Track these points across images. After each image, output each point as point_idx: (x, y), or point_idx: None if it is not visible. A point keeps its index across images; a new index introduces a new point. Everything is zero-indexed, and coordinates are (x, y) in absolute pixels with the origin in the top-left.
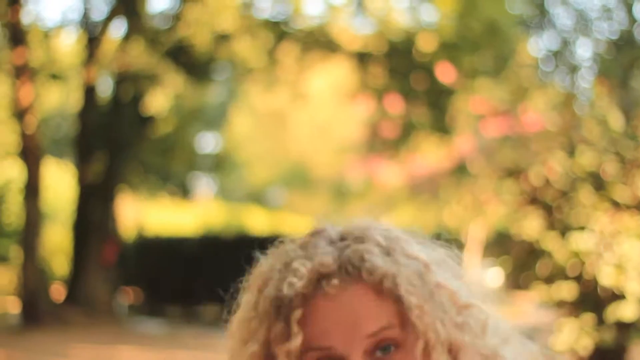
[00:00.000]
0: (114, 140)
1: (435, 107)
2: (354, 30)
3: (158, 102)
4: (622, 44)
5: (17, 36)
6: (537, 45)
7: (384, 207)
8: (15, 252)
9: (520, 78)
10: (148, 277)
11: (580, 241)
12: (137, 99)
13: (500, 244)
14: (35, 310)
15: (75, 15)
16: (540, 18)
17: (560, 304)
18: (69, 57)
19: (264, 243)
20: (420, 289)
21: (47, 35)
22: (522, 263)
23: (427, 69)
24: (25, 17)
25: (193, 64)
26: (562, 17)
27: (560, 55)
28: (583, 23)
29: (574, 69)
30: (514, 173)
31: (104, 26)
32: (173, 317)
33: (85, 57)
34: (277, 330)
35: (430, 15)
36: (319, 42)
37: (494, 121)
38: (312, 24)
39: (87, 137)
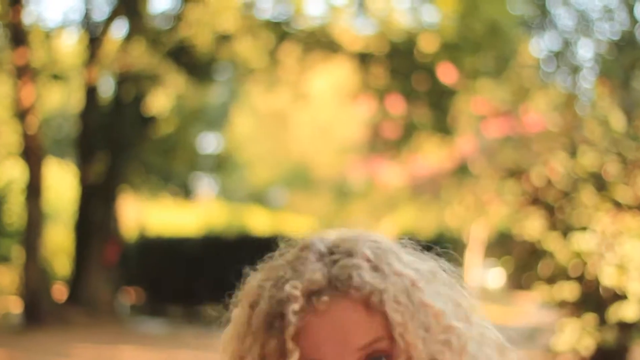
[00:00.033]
0: (115, 140)
1: (437, 107)
2: (355, 31)
3: (159, 102)
4: (624, 44)
5: (19, 36)
6: (538, 46)
7: (386, 208)
8: (17, 252)
9: (522, 79)
10: (150, 277)
11: (582, 241)
12: (138, 99)
13: (502, 245)
14: (37, 310)
15: (77, 15)
16: (541, 19)
17: (562, 304)
18: (71, 57)
19: (265, 243)
20: (406, 306)
21: (48, 35)
22: (524, 263)
23: (429, 70)
24: (27, 17)
25: (194, 64)
26: (564, 17)
27: (562, 56)
28: (584, 24)
29: (575, 70)
30: (516, 173)
31: (105, 26)
32: (175, 317)
33: (87, 58)
34: (271, 347)
35: (431, 15)
36: (320, 42)
37: (496, 122)
38: (313, 25)
39: (89, 138)
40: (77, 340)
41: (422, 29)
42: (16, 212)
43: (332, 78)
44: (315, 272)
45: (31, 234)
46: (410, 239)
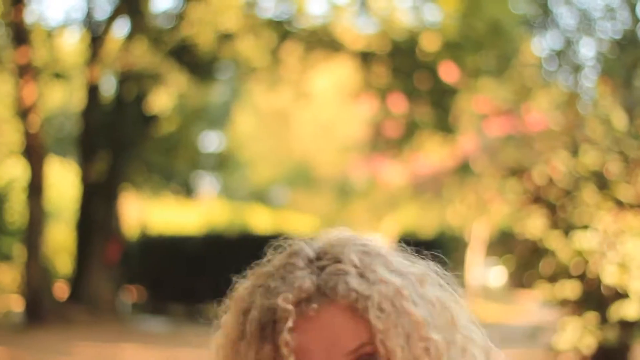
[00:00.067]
0: (117, 139)
1: (439, 106)
2: (357, 30)
3: (161, 101)
4: (626, 43)
5: (21, 35)
6: (540, 45)
7: (388, 206)
8: (19, 251)
9: (524, 77)
10: (151, 275)
11: (584, 240)
12: (140, 98)
13: (504, 243)
14: (39, 309)
15: (79, 14)
16: (543, 18)
17: (563, 303)
18: (72, 56)
19: (267, 242)
20: (388, 314)
21: (50, 34)
22: (526, 262)
23: (431, 69)
24: (29, 16)
25: (196, 63)
26: (566, 16)
27: (564, 55)
28: (586, 23)
29: (577, 69)
30: (518, 172)
31: (107, 25)
32: (176, 315)
33: (89, 56)
34: (265, 353)
35: (433, 14)
36: (322, 41)
37: (497, 120)
38: (315, 24)
39: (91, 136)
40: (79, 338)
41: (424, 27)
42: (18, 210)
43: (334, 77)
44: (305, 280)
45: (33, 232)
46: (405, 242)
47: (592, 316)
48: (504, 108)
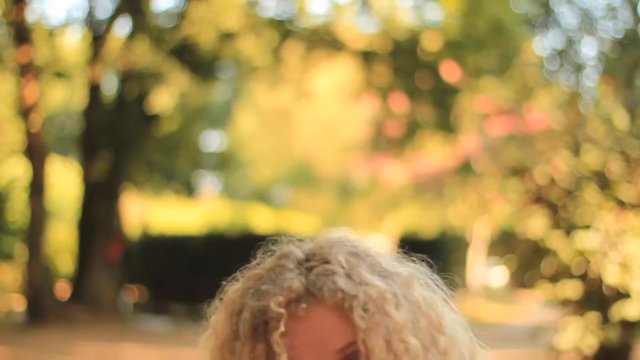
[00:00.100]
0: (118, 138)
1: (440, 105)
2: (358, 29)
3: (163, 100)
4: (627, 42)
5: (22, 34)
6: (542, 44)
7: (389, 206)
8: (20, 250)
9: (525, 77)
10: (153, 275)
11: (585, 240)
12: (141, 97)
13: (505, 243)
14: (40, 308)
15: (80, 13)
16: (545, 17)
17: (565, 303)
18: (74, 55)
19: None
20: (372, 314)
21: (51, 33)
22: (527, 262)
23: (432, 68)
24: (30, 15)
25: (198, 63)
26: (567, 16)
27: (565, 54)
28: (588, 22)
29: (578, 68)
30: (519, 172)
31: (108, 24)
32: (177, 315)
33: (90, 56)
34: (260, 351)
35: (435, 14)
36: (323, 40)
37: (499, 120)
38: (316, 23)
39: (92, 136)
40: (80, 338)
41: (425, 27)
42: (19, 209)
43: (336, 76)
44: (294, 281)
45: (34, 231)
46: (406, 242)
47: (593, 316)
48: (505, 107)
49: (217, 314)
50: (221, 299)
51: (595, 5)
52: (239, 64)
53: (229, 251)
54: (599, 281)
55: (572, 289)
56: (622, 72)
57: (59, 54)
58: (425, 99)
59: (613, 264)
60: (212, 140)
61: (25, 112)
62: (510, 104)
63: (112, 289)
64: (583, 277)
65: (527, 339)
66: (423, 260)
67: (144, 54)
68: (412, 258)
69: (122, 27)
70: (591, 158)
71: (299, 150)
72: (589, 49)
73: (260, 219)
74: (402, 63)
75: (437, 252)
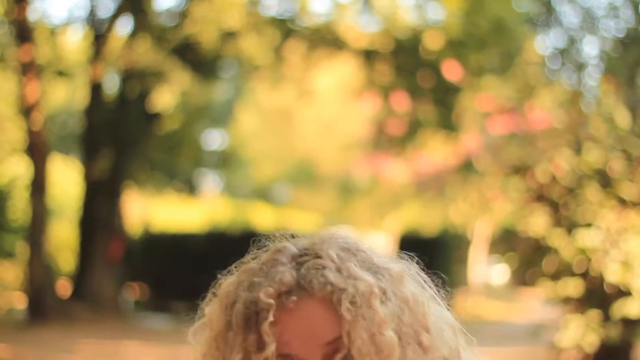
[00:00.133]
0: (120, 137)
1: (442, 104)
2: (360, 28)
3: (164, 99)
4: (629, 41)
5: (24, 33)
6: (543, 43)
7: (390, 204)
8: (22, 248)
9: (527, 76)
10: (154, 273)
11: (587, 238)
12: (143, 96)
13: (507, 241)
14: (42, 306)
15: (82, 12)
16: (546, 16)
17: (566, 301)
18: (76, 54)
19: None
20: (358, 307)
21: (53, 32)
22: (528, 260)
23: (434, 67)
24: (32, 14)
25: (199, 61)
26: (569, 15)
27: (567, 53)
28: (590, 21)
29: (580, 67)
30: (521, 170)
31: (110, 23)
32: (179, 312)
33: (92, 54)
34: (251, 341)
35: (436, 12)
36: (325, 39)
37: (501, 118)
38: (318, 22)
39: (94, 134)
40: (81, 335)
41: (427, 26)
42: (21, 208)
43: (337, 75)
44: (285, 274)
45: (35, 230)
46: (408, 240)
47: (594, 314)
48: (507, 106)
49: (212, 306)
50: (215, 292)
51: (597, 4)
52: (240, 62)
53: (230, 249)
54: (600, 279)
55: (573, 286)
56: (624, 71)
57: (60, 53)
58: (426, 97)
59: (614, 262)
60: (213, 139)
61: (26, 110)
62: (511, 103)
63: (113, 286)
64: (584, 275)
65: (528, 337)
66: (419, 260)
67: (145, 53)
68: (403, 257)
69: (124, 26)
70: (593, 156)
71: (300, 148)
72: (590, 48)
73: (262, 217)
74: (403, 62)
75: (439, 251)
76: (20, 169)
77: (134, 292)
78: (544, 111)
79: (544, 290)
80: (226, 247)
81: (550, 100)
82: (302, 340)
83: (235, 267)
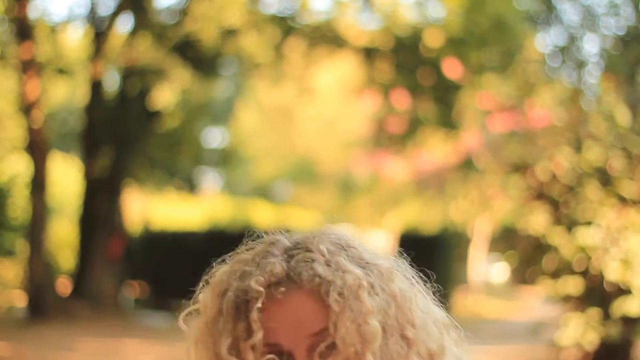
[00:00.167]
0: (120, 134)
1: (442, 102)
2: (360, 26)
3: (165, 96)
4: (629, 39)
5: (24, 31)
6: (544, 41)
7: (390, 202)
8: (22, 246)
9: (527, 74)
10: (154, 271)
11: (587, 236)
12: (143, 93)
13: (507, 239)
14: (42, 304)
15: (82, 10)
16: (547, 14)
17: (566, 299)
18: (76, 51)
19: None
20: (346, 299)
21: (54, 30)
22: (528, 258)
23: (434, 65)
24: (32, 11)
25: (200, 59)
26: (569, 13)
27: (567, 51)
28: (590, 19)
29: (580, 65)
30: (521, 168)
31: (110, 21)
32: (178, 311)
33: (92, 52)
34: (240, 329)
35: (437, 10)
36: (325, 37)
37: (501, 116)
38: (319, 19)
39: (94, 132)
40: (81, 333)
41: (427, 23)
42: (21, 206)
43: (338, 73)
44: (275, 265)
45: (36, 228)
46: (408, 238)
47: (594, 312)
48: (507, 104)
49: (205, 293)
50: (207, 280)
51: (598, 2)
52: (241, 60)
53: (230, 247)
54: (600, 277)
55: (573, 285)
56: (624, 69)
57: (61, 51)
58: (427, 95)
59: (614, 260)
60: (213, 137)
61: (27, 108)
62: (512, 101)
63: (113, 285)
64: (584, 274)
65: (528, 335)
66: (416, 256)
67: (146, 51)
68: (395, 254)
69: (124, 23)
70: (593, 154)
71: (300, 146)
72: (591, 46)
73: (262, 215)
74: (404, 60)
75: (439, 249)
76: (20, 166)
77: (134, 290)
78: (544, 109)
79: (544, 288)
80: (226, 245)
81: (550, 98)
82: (289, 330)
83: (230, 257)
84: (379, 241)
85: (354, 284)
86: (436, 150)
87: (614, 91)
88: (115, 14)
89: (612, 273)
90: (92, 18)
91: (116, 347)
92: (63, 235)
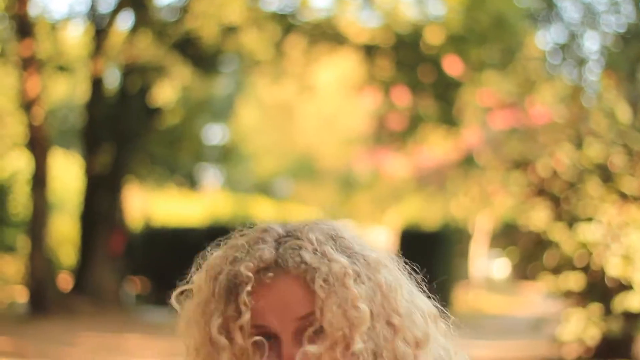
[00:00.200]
0: (121, 131)
1: (443, 99)
2: (361, 23)
3: (165, 93)
4: (630, 37)
5: (25, 28)
6: (544, 38)
7: (391, 199)
8: (23, 242)
9: (528, 71)
10: (155, 267)
11: (588, 232)
12: (144, 90)
13: (508, 235)
14: (43, 300)
15: (83, 7)
16: (547, 11)
17: (567, 295)
18: (77, 49)
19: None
20: (331, 285)
21: (54, 27)
22: (530, 254)
23: (435, 62)
24: (33, 9)
25: (200, 56)
26: (570, 10)
27: (568, 48)
28: (590, 16)
29: (581, 62)
30: (522, 165)
31: (111, 18)
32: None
33: (93, 49)
34: (230, 310)
35: (437, 8)
36: (326, 34)
37: (502, 113)
38: (319, 17)
39: (95, 129)
40: (83, 329)
41: (428, 21)
42: (22, 202)
43: (338, 70)
44: (265, 251)
45: (37, 224)
46: (409, 234)
47: (596, 308)
48: (508, 101)
49: (199, 275)
50: (200, 264)
51: None
52: (241, 57)
53: None
54: (602, 273)
55: (574, 280)
56: (625, 66)
57: (61, 48)
58: (427, 92)
59: (615, 256)
60: (214, 133)
61: (27, 105)
62: (512, 98)
63: (114, 280)
64: (585, 269)
65: (529, 331)
66: (416, 256)
67: (146, 48)
68: (394, 251)
69: (125, 20)
70: (594, 151)
71: (301, 143)
72: (591, 43)
73: (263, 212)
74: (404, 57)
75: (440, 245)
76: (21, 163)
77: (134, 285)
78: (545, 106)
79: (545, 284)
80: None
81: (551, 95)
82: (276, 313)
83: (224, 242)
84: (379, 238)
85: (339, 272)
86: (437, 147)
87: (615, 88)
88: (115, 11)
89: (613, 269)
90: (93, 15)
91: (117, 343)
92: (64, 231)
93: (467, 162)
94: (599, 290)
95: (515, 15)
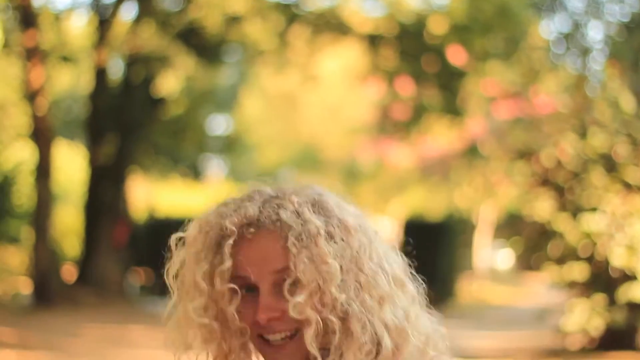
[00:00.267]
0: (125, 122)
1: (447, 89)
2: (365, 13)
3: (169, 84)
4: (634, 26)
5: (28, 19)
6: (548, 28)
7: (395, 189)
8: (27, 234)
9: (532, 60)
10: (159, 258)
11: (592, 222)
12: (148, 81)
13: (512, 226)
14: (47, 291)
15: None
16: (551, 1)
17: (571, 285)
18: (80, 39)
19: None
20: (304, 243)
21: (58, 17)
22: (534, 244)
23: (438, 51)
24: None
25: (204, 46)
26: None
27: (572, 38)
28: (594, 5)
29: (585, 52)
30: (526, 155)
31: (115, 8)
32: None
33: (96, 40)
34: (217, 259)
35: None
36: (329, 24)
37: (506, 103)
38: (323, 7)
39: (98, 119)
40: (86, 320)
41: (431, 10)
42: (26, 193)
43: (342, 60)
44: (249, 209)
45: (41, 215)
46: (413, 225)
47: (600, 298)
48: (512, 91)
49: (193, 230)
50: (191, 220)
51: None
52: (245, 47)
53: None
54: (606, 263)
55: (578, 271)
56: (629, 56)
57: (65, 38)
58: (431, 82)
59: (619, 246)
60: (218, 124)
61: (31, 96)
62: (516, 88)
63: (118, 271)
64: (589, 260)
65: (533, 321)
66: (420, 246)
67: (150, 38)
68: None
69: (128, 11)
70: (598, 141)
71: (305, 133)
72: (595, 33)
73: None
74: (408, 46)
75: (444, 235)
76: (25, 154)
77: (139, 276)
78: (549, 96)
79: (550, 274)
80: None
81: (555, 84)
82: (255, 266)
83: (221, 201)
84: (383, 228)
85: (312, 231)
86: (441, 137)
87: (619, 78)
88: (119, 1)
89: (617, 259)
90: (96, 5)
91: (121, 334)
92: (68, 222)
93: (471, 152)
94: (603, 280)
95: (519, 4)
